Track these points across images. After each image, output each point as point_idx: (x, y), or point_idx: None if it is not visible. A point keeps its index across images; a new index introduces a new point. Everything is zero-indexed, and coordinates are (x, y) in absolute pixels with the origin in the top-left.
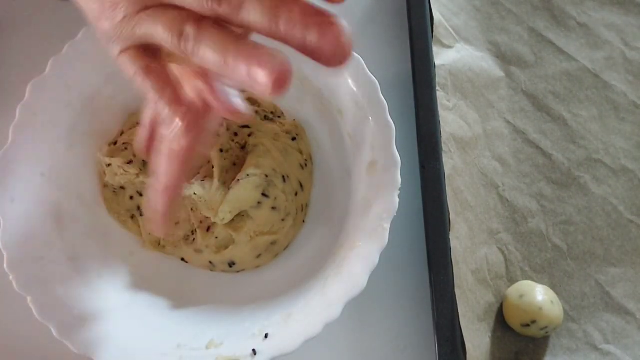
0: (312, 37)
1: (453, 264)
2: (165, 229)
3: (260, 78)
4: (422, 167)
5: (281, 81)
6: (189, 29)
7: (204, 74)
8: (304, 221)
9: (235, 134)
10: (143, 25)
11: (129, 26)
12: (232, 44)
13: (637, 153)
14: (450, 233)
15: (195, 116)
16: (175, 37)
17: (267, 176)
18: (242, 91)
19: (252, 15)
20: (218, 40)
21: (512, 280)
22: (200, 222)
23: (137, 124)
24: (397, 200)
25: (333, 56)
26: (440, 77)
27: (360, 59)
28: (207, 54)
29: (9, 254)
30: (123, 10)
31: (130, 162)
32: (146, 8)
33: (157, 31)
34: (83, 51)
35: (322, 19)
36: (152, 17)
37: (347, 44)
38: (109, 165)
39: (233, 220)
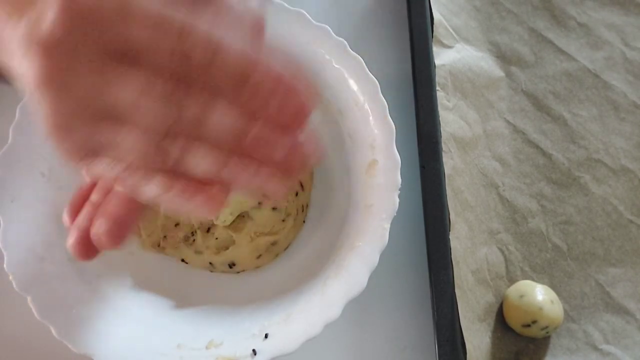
0: (279, 154)
1: (453, 264)
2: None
3: (267, 190)
4: (422, 167)
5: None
6: (169, 143)
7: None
8: (304, 221)
9: None
10: (103, 138)
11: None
12: (227, 154)
13: (637, 153)
14: (450, 233)
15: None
16: (151, 151)
17: None
18: None
19: (218, 126)
20: (208, 150)
21: (512, 280)
22: (201, 223)
23: None
24: (397, 200)
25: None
26: (440, 77)
27: (360, 59)
28: (200, 164)
29: (9, 254)
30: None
31: None
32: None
33: (125, 144)
34: None
35: (290, 138)
36: (113, 132)
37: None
38: None
39: (233, 220)
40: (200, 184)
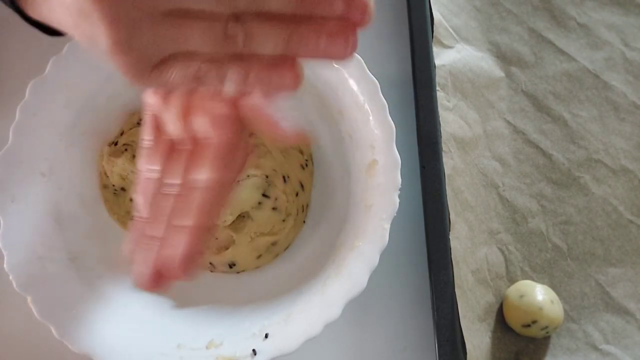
0: (339, 7)
1: (453, 264)
2: (185, 273)
3: (335, 48)
4: (422, 167)
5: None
6: (233, 27)
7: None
8: (304, 221)
9: None
10: (169, 37)
11: (154, 44)
12: (289, 26)
13: (637, 153)
14: (450, 233)
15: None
16: (219, 38)
17: (267, 177)
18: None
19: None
20: (271, 27)
21: (512, 280)
22: None
23: (138, 124)
24: (397, 200)
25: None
26: (440, 77)
27: (360, 59)
28: (266, 42)
29: (9, 254)
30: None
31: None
32: (165, 17)
33: (193, 38)
34: (83, 51)
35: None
36: (178, 28)
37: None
38: (114, 167)
39: (233, 221)
40: (273, 62)
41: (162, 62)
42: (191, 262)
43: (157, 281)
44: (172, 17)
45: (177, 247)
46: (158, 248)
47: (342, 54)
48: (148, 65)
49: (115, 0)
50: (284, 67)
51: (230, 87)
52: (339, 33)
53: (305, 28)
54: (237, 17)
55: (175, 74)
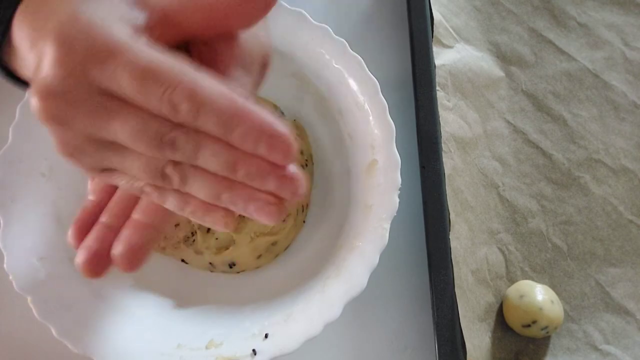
0: (270, 187)
1: (453, 264)
2: (133, 264)
3: (261, 218)
4: (422, 167)
5: (278, 215)
6: (170, 168)
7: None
8: (304, 221)
9: None
10: (113, 161)
11: (96, 160)
12: (222, 182)
13: (637, 153)
14: (450, 233)
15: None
16: (157, 175)
17: None
18: None
19: (209, 164)
20: (205, 178)
21: (512, 280)
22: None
23: None
24: (397, 200)
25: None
26: (440, 77)
27: (360, 59)
28: (199, 190)
29: (9, 254)
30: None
31: None
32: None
33: (133, 168)
34: None
35: (279, 172)
36: (120, 157)
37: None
38: None
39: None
40: (211, 204)
41: (109, 170)
42: (136, 255)
43: (95, 268)
44: (116, 149)
45: (126, 237)
46: (107, 235)
47: (268, 221)
48: (95, 172)
49: (62, 129)
50: (219, 210)
51: (170, 207)
52: (269, 203)
53: (238, 191)
54: (175, 163)
55: (122, 182)
